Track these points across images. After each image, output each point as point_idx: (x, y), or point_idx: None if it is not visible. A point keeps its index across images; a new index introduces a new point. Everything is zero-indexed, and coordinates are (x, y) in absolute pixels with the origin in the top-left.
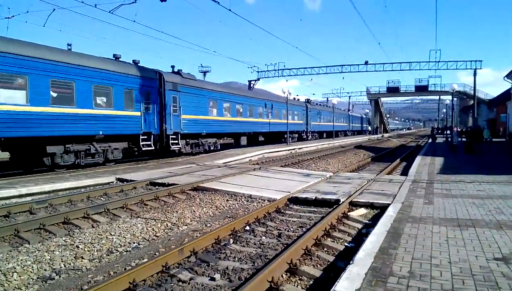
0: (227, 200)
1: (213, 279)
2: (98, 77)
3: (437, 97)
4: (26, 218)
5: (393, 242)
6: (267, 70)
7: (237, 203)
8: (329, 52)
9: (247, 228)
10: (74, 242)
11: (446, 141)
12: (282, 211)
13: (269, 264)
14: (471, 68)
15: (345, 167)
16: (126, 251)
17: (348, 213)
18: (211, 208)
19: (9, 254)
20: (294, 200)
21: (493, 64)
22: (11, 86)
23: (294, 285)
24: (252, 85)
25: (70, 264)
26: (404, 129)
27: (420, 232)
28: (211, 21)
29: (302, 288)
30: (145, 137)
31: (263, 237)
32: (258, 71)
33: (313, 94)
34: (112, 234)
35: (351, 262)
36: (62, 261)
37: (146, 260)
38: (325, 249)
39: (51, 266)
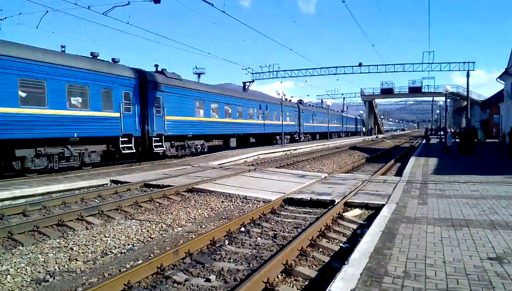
0: (222, 201)
1: (208, 280)
2: (72, 76)
3: (431, 98)
4: (20, 220)
5: (387, 242)
6: (262, 72)
7: (232, 204)
8: (323, 54)
9: (243, 229)
10: (68, 244)
11: (440, 142)
12: (277, 212)
13: (264, 265)
14: (464, 70)
15: (340, 167)
16: (121, 253)
17: (343, 214)
18: (206, 209)
19: (3, 256)
20: (289, 201)
21: (486, 66)
22: None
23: (290, 286)
24: (246, 86)
25: (64, 266)
26: (398, 131)
27: (415, 232)
28: (205, 23)
29: (297, 288)
30: (126, 139)
31: (259, 238)
32: (252, 73)
33: (308, 95)
34: (107, 235)
35: (346, 263)
36: (56, 263)
37: (141, 261)
38: (320, 250)
39: (45, 268)
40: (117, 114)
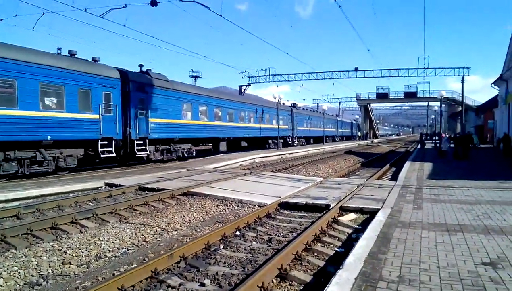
0: (218, 205)
1: (203, 284)
2: (46, 75)
3: (426, 103)
4: (13, 223)
5: (382, 246)
6: (258, 76)
7: (228, 208)
8: (319, 58)
9: (238, 233)
10: (62, 248)
11: (434, 147)
12: (272, 216)
13: (259, 269)
14: (459, 75)
15: (335, 172)
16: (115, 257)
17: (338, 218)
18: (201, 213)
19: None
20: (285, 205)
21: (481, 72)
22: None
23: None
24: (243, 90)
25: (57, 269)
26: (394, 135)
27: (409, 237)
28: (202, 26)
29: None
30: (105, 143)
31: (254, 242)
32: (249, 77)
33: (304, 99)
34: (101, 239)
35: (341, 267)
36: (49, 267)
37: (135, 265)
38: (315, 254)
39: (38, 271)
40: (96, 116)
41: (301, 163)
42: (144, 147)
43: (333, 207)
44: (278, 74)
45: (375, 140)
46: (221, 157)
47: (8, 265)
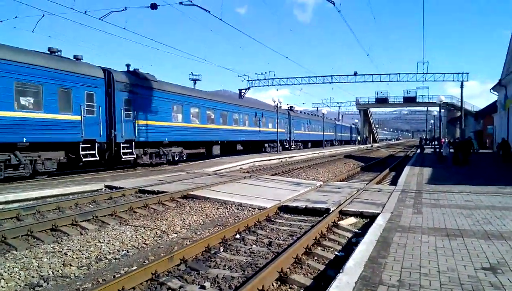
0: (218, 208)
1: (203, 287)
2: (22, 73)
3: (425, 108)
4: (14, 224)
5: (382, 251)
6: (258, 79)
7: (228, 211)
8: (319, 63)
9: (238, 236)
10: (62, 249)
11: (434, 152)
12: (272, 219)
13: (259, 273)
14: (458, 80)
15: (335, 176)
16: (115, 259)
17: (338, 222)
18: (201, 216)
19: None
20: (285, 209)
21: (479, 77)
22: None
23: None
24: (242, 94)
25: (58, 271)
26: (393, 140)
27: (409, 241)
28: (202, 30)
29: None
30: (88, 145)
31: (254, 246)
32: (248, 80)
33: (303, 103)
34: (101, 241)
35: (341, 271)
36: (50, 268)
37: (136, 267)
38: (316, 258)
39: (39, 273)
40: (77, 117)
41: (300, 167)
42: (130, 150)
43: (333, 211)
44: (277, 78)
45: (375, 145)
46: (220, 160)
47: (8, 266)
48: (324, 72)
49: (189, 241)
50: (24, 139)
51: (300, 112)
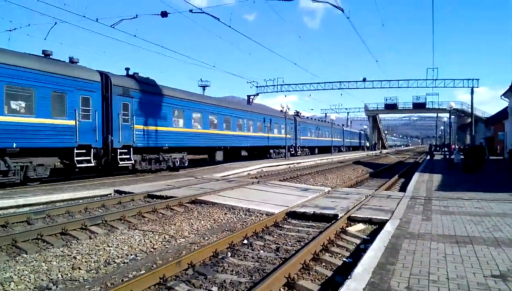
0: (225, 213)
1: None
2: (13, 76)
3: (435, 114)
4: (24, 228)
5: (391, 257)
6: (266, 85)
7: (235, 217)
8: (327, 69)
9: (245, 241)
10: (72, 253)
11: (444, 159)
12: (280, 225)
13: (267, 278)
14: (468, 87)
15: (344, 182)
16: (124, 263)
17: (346, 228)
18: (209, 221)
19: (7, 264)
20: (293, 215)
21: (489, 83)
22: None
23: None
24: (251, 100)
25: (67, 274)
26: (402, 146)
27: (418, 248)
28: (211, 37)
29: None
30: (83, 151)
31: (261, 251)
32: (257, 86)
33: (312, 109)
34: (110, 245)
35: (349, 277)
36: (59, 272)
37: (144, 271)
38: (323, 264)
39: (48, 276)
40: (72, 122)
41: (308, 173)
42: (128, 156)
43: (341, 217)
44: (286, 84)
45: (384, 151)
46: (228, 166)
47: (19, 269)
48: (332, 78)
49: (197, 246)
50: (14, 145)
51: (307, 118)
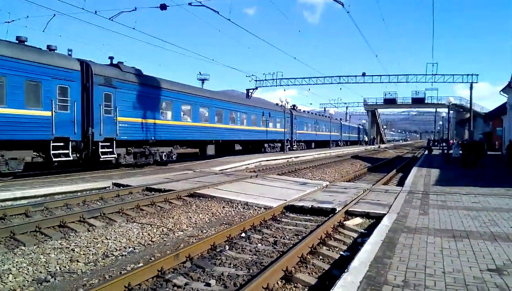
0: (224, 207)
1: (208, 284)
2: None
3: (434, 109)
4: (22, 220)
5: (388, 251)
6: (265, 80)
7: (234, 210)
8: (327, 63)
9: (243, 235)
10: (70, 245)
11: (442, 154)
12: (278, 218)
13: (264, 271)
14: (467, 82)
15: (342, 176)
16: (122, 255)
17: (344, 222)
18: (207, 214)
19: (5, 256)
20: (291, 208)
21: (490, 78)
22: None
23: None
24: (250, 94)
25: (65, 267)
26: (401, 141)
27: (415, 242)
28: (210, 30)
29: None
30: (60, 144)
31: (259, 244)
32: (256, 80)
33: (310, 104)
34: (108, 238)
35: (346, 270)
36: (57, 264)
37: (142, 264)
38: (321, 257)
39: (47, 268)
40: (48, 113)
41: (307, 167)
42: (111, 149)
43: (339, 211)
44: (285, 78)
45: (382, 146)
46: (227, 160)
47: (17, 262)
48: (332, 73)
49: (195, 239)
50: None
51: (304, 111)
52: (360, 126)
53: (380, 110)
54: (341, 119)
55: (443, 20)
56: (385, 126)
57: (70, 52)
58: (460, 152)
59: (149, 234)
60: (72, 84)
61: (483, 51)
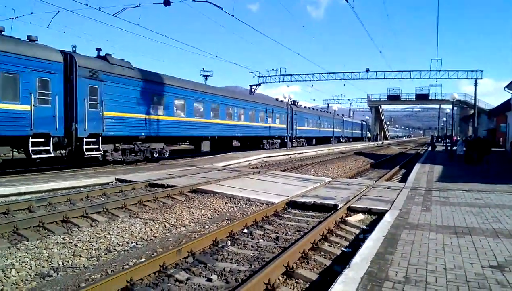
0: (226, 203)
1: (210, 280)
2: None
3: (438, 106)
4: (26, 215)
5: (389, 247)
6: (269, 76)
7: (236, 206)
8: (330, 59)
9: (245, 230)
10: (73, 240)
11: (445, 150)
12: (280, 214)
13: (266, 267)
14: (472, 78)
15: (344, 172)
16: (124, 250)
17: (346, 218)
18: (209, 210)
19: (8, 251)
20: (293, 204)
21: (494, 74)
22: None
23: (291, 288)
24: (253, 90)
25: (68, 261)
26: (404, 137)
27: (417, 239)
28: (214, 26)
29: None
30: (41, 140)
31: (261, 240)
32: (259, 76)
33: (314, 100)
34: (111, 233)
35: (347, 266)
36: (60, 259)
37: (144, 259)
38: (322, 253)
39: (49, 263)
40: (26, 107)
41: (309, 163)
42: (97, 146)
43: (341, 207)
44: (288, 74)
45: (385, 142)
46: (230, 156)
47: (20, 256)
48: (335, 69)
49: (197, 235)
50: None
51: (305, 107)
52: (363, 123)
53: (383, 107)
54: (343, 115)
55: (448, 17)
56: (388, 123)
57: (74, 49)
58: (464, 148)
59: (151, 229)
60: (53, 77)
61: (487, 48)
